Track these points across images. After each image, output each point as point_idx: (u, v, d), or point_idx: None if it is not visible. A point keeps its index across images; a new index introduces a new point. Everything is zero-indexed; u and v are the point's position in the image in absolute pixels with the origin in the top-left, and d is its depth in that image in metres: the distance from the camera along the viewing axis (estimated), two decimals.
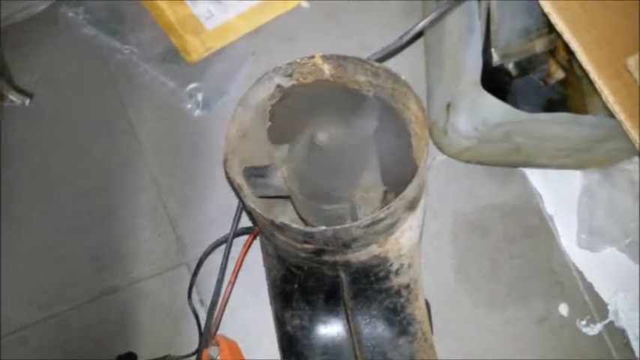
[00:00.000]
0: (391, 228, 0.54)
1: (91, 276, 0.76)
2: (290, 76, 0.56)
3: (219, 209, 0.76)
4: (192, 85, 0.82)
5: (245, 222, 0.72)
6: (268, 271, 0.67)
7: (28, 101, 0.81)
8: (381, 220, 0.50)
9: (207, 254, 0.71)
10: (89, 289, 0.76)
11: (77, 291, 0.76)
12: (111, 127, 0.82)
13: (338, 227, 0.48)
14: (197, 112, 0.82)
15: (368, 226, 0.50)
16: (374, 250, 0.56)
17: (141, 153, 0.81)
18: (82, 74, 0.84)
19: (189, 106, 0.82)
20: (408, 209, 0.54)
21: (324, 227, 0.48)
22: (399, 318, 0.62)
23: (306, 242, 0.53)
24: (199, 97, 0.82)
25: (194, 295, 0.74)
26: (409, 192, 0.49)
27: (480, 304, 0.79)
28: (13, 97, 0.79)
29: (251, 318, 0.74)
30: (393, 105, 0.57)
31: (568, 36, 0.62)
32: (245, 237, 0.69)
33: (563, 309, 0.79)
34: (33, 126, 0.82)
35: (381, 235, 0.54)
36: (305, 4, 0.87)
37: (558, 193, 0.84)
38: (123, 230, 0.78)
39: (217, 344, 0.64)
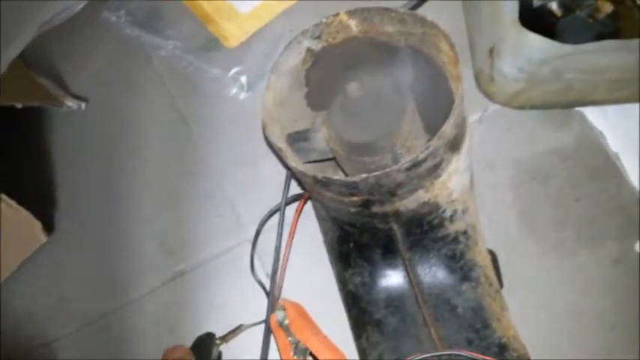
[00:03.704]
0: (436, 170, 0.55)
1: (161, 261, 0.82)
2: (319, 37, 0.59)
3: (273, 184, 0.79)
4: (235, 70, 0.87)
5: (297, 190, 0.76)
6: (324, 234, 0.70)
7: (83, 105, 0.87)
8: (422, 161, 0.52)
9: (262, 224, 0.75)
10: (161, 273, 0.82)
11: (150, 277, 0.82)
12: (163, 120, 0.87)
13: (379, 173, 0.51)
14: (242, 95, 0.86)
15: (409, 169, 0.51)
16: (421, 196, 0.57)
17: (193, 141, 0.86)
18: (130, 73, 0.90)
19: (234, 90, 0.86)
20: (450, 150, 0.55)
21: (365, 175, 0.51)
22: (459, 264, 0.64)
23: (351, 194, 0.55)
24: (243, 80, 0.86)
25: (259, 269, 0.78)
26: (447, 130, 0.51)
27: (548, 252, 0.78)
28: (70, 102, 0.86)
29: (314, 280, 0.77)
30: (425, 51, 0.59)
31: None
32: (297, 204, 0.73)
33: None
34: (90, 128, 0.88)
35: (426, 180, 0.56)
36: None
37: (621, 129, 0.82)
38: (185, 215, 0.83)
39: (283, 308, 0.68)
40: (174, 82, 0.89)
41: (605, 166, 0.81)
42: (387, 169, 0.51)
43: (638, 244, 0.78)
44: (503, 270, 0.71)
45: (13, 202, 0.76)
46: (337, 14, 0.57)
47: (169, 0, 0.91)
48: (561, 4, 0.75)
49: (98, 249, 0.85)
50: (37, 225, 0.80)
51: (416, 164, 0.51)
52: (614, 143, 0.82)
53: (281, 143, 0.59)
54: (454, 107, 0.51)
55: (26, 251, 0.82)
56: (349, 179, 0.52)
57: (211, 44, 0.88)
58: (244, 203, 0.83)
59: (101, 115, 0.89)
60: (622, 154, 0.82)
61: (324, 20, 0.58)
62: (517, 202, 0.80)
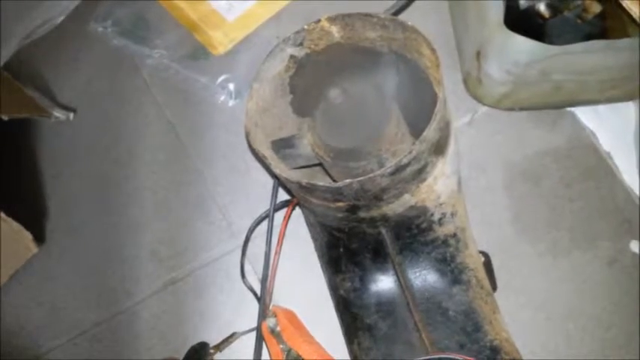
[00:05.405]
0: (420, 174, 0.56)
1: (153, 270, 0.83)
2: (301, 44, 0.60)
3: (265, 190, 0.81)
4: (223, 77, 0.88)
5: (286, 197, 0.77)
6: (314, 240, 0.71)
7: (72, 116, 0.88)
8: (406, 166, 0.52)
9: (251, 231, 0.76)
10: (153, 282, 0.83)
11: (142, 285, 0.83)
12: (152, 129, 0.89)
13: (362, 178, 0.51)
14: (231, 103, 0.87)
15: (393, 173, 0.52)
16: (408, 200, 0.58)
17: (183, 149, 0.87)
18: (117, 83, 0.91)
19: (222, 97, 0.87)
20: (434, 153, 0.56)
21: (349, 180, 0.52)
22: (449, 268, 0.64)
23: (336, 200, 0.56)
24: (231, 87, 0.87)
25: (252, 275, 0.79)
26: (429, 134, 0.52)
27: (543, 253, 0.79)
28: (58, 113, 0.87)
29: (305, 286, 0.78)
30: (408, 56, 0.60)
31: None
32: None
33: (635, 246, 0.78)
34: (79, 139, 0.89)
35: (411, 184, 0.56)
36: None
37: (613, 128, 0.83)
38: (177, 223, 0.84)
39: (274, 315, 0.69)
40: (163, 91, 0.90)
41: (598, 166, 0.81)
42: (371, 174, 0.51)
43: (633, 244, 0.79)
44: (497, 272, 0.72)
45: (2, 214, 0.77)
46: (318, 21, 0.58)
47: (154, 7, 0.91)
48: (549, 5, 0.75)
49: (89, 259, 0.86)
50: (28, 236, 0.81)
51: (399, 169, 0.52)
52: (606, 142, 0.83)
53: (265, 150, 0.60)
54: (436, 111, 0.52)
55: (17, 263, 0.83)
56: (333, 185, 0.53)
57: (198, 52, 0.89)
58: (236, 210, 0.84)
59: (90, 126, 0.90)
60: (614, 153, 0.82)
61: (305, 27, 0.58)
62: (510, 204, 0.81)
